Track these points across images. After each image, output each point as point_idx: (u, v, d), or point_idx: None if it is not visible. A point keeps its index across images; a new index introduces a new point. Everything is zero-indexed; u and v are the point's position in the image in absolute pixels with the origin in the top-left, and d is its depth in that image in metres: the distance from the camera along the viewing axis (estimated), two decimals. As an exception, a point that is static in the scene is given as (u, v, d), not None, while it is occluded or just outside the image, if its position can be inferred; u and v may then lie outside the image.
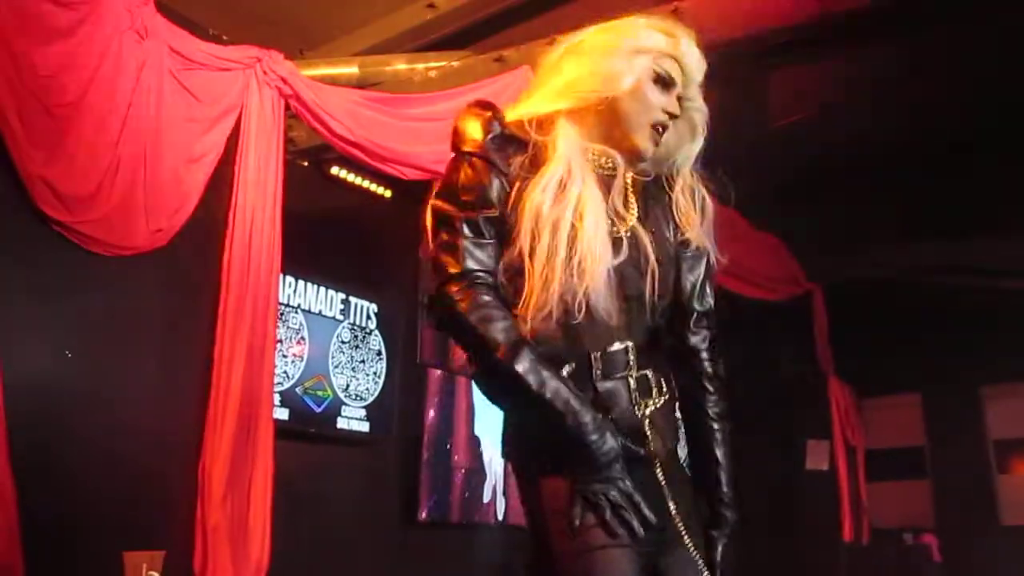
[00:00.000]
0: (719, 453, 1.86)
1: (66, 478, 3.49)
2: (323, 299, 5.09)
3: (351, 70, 4.55)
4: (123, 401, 3.79)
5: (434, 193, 1.73)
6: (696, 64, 1.84)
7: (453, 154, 1.74)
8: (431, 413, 5.78)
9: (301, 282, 4.94)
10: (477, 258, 1.65)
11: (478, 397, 6.23)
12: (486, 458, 6.23)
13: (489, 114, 1.73)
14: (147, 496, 3.74)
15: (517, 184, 1.70)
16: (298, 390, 4.88)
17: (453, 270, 1.64)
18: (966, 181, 5.98)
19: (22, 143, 3.26)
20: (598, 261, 1.67)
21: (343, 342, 5.20)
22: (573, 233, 1.66)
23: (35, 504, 3.26)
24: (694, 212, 1.87)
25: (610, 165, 1.79)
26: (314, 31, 4.72)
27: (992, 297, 8.00)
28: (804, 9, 3.84)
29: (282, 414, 4.67)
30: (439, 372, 5.91)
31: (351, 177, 5.36)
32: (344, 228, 5.30)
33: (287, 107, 4.20)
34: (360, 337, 5.32)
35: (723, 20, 4.00)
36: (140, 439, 3.78)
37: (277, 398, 4.55)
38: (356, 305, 5.30)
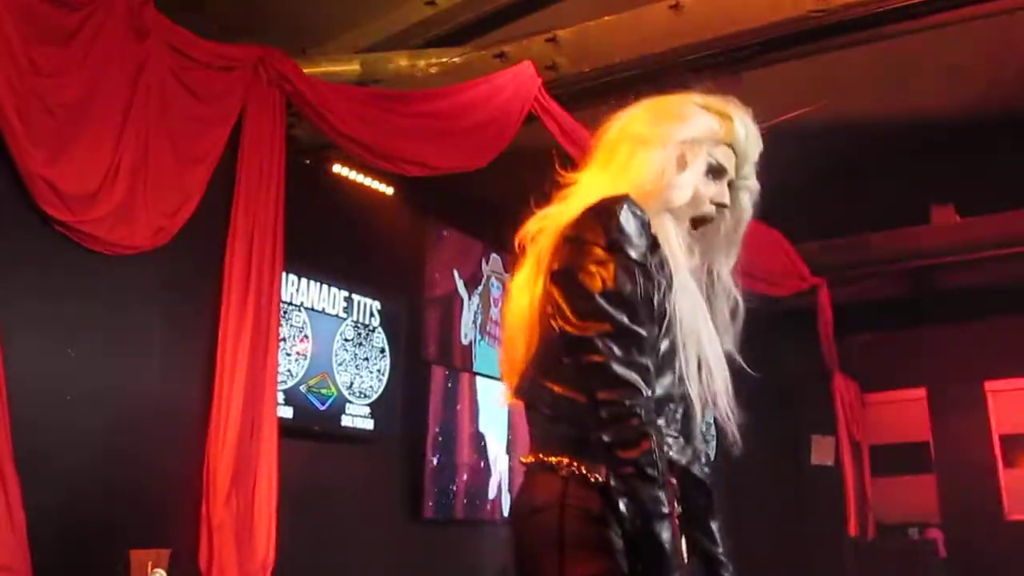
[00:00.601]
0: (714, 516, 1.89)
1: (71, 477, 3.49)
2: (326, 297, 5.09)
3: (352, 67, 4.55)
4: (126, 400, 3.78)
5: (604, 295, 1.60)
6: (752, 144, 1.84)
7: (612, 252, 1.63)
8: (435, 410, 5.78)
9: (304, 280, 4.94)
10: (652, 378, 1.61)
11: (481, 394, 6.23)
12: (490, 455, 6.24)
13: (646, 218, 1.68)
14: (152, 495, 3.74)
15: (656, 292, 1.67)
16: (302, 388, 4.88)
17: (645, 392, 1.57)
18: (970, 168, 5.98)
19: (23, 142, 3.26)
20: (726, 371, 1.74)
21: (346, 340, 5.20)
22: (710, 345, 1.72)
23: (41, 504, 3.27)
24: (730, 319, 1.86)
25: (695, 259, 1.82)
26: (315, 29, 4.72)
27: (996, 292, 8.00)
28: (802, 4, 3.85)
29: (286, 412, 4.67)
30: (443, 369, 5.92)
31: (353, 175, 5.35)
32: (346, 226, 5.31)
33: (289, 105, 4.20)
34: (363, 335, 5.32)
35: (723, 15, 4.00)
36: (144, 438, 3.78)
37: (281, 396, 4.56)
38: (359, 303, 5.30)
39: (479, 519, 6.07)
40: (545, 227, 1.78)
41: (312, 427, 4.93)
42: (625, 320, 1.59)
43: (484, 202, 6.08)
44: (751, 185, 1.88)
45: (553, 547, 1.60)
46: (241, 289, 3.94)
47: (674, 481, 1.72)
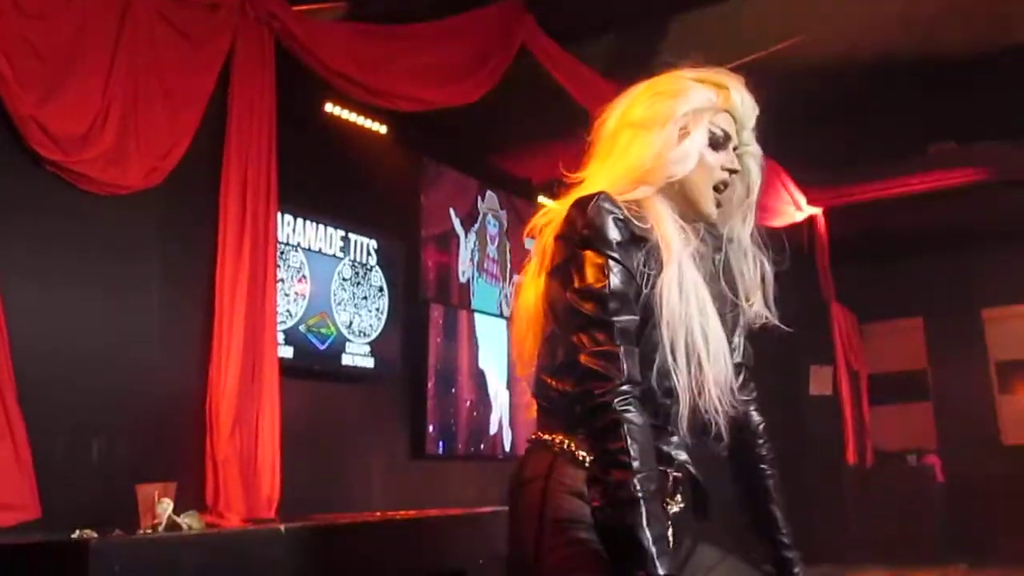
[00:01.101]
0: (774, 501, 1.93)
1: (74, 418, 3.53)
2: (322, 237, 5.09)
3: (340, 4, 4.51)
4: (126, 341, 3.81)
5: (574, 291, 1.65)
6: (748, 110, 1.85)
7: (584, 249, 1.66)
8: (435, 348, 5.82)
9: (300, 220, 4.94)
10: (632, 366, 1.61)
11: (480, 331, 6.27)
12: (491, 391, 6.29)
13: (620, 213, 1.68)
14: (156, 434, 3.78)
15: (642, 284, 1.68)
16: (301, 328, 4.91)
17: (618, 380, 1.58)
18: (965, 95, 5.95)
19: (12, 86, 3.24)
20: (727, 360, 1.72)
21: (344, 279, 5.22)
22: (704, 335, 1.69)
23: (46, 444, 3.31)
24: (757, 283, 1.88)
25: (693, 242, 1.81)
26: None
27: (993, 219, 8.01)
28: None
29: (286, 352, 4.70)
30: (441, 307, 5.95)
31: (345, 114, 5.33)
32: (341, 166, 5.29)
33: (278, 43, 4.16)
34: (361, 274, 5.33)
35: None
36: (145, 377, 3.81)
37: (281, 336, 4.59)
38: (356, 242, 5.31)
39: (481, 455, 6.15)
40: (548, 222, 1.80)
41: (313, 366, 4.97)
42: (597, 313, 1.62)
43: (479, 140, 6.07)
44: (754, 151, 1.89)
45: (535, 519, 1.66)
46: (237, 229, 3.94)
47: (677, 474, 1.75)
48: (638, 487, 1.52)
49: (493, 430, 6.27)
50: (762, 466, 1.95)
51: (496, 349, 6.35)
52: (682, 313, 1.67)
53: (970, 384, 8.94)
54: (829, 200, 7.44)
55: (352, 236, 5.29)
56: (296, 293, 4.91)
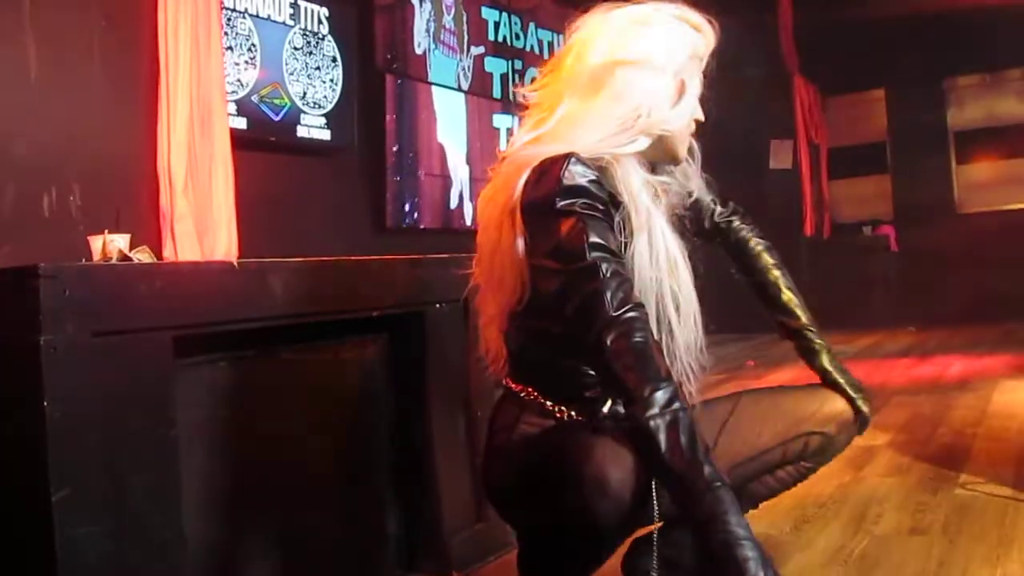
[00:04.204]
0: (785, 288, 2.02)
1: (21, 173, 3.51)
2: (271, 3, 4.91)
3: None
4: (71, 102, 3.74)
5: (549, 253, 1.57)
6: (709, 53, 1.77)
7: (563, 212, 1.55)
8: (392, 120, 5.75)
9: (245, -16, 4.75)
10: (626, 292, 1.51)
11: (439, 104, 6.19)
12: (451, 165, 6.28)
13: (594, 175, 1.58)
14: (109, 192, 3.77)
15: (620, 249, 1.61)
16: (254, 99, 4.81)
17: (606, 316, 1.49)
18: None
19: None
20: (697, 319, 1.70)
21: (296, 48, 5.08)
22: (675, 300, 1.67)
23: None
24: (692, 170, 1.88)
25: (663, 192, 1.78)
26: None
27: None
28: None
29: (240, 123, 4.62)
30: (398, 79, 5.83)
31: None
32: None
33: None
34: (313, 43, 5.19)
35: None
36: (91, 134, 3.77)
37: (233, 107, 4.51)
38: (306, 9, 5.14)
39: (440, 229, 6.18)
40: (515, 161, 1.66)
41: (268, 138, 4.90)
42: (577, 264, 1.54)
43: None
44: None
45: (502, 464, 1.73)
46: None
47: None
48: (655, 411, 1.43)
49: (454, 204, 6.29)
50: (760, 265, 2.04)
51: (455, 123, 6.29)
52: (653, 279, 1.64)
53: (928, 155, 9.01)
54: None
55: (302, 3, 5.11)
56: (246, 62, 4.77)
